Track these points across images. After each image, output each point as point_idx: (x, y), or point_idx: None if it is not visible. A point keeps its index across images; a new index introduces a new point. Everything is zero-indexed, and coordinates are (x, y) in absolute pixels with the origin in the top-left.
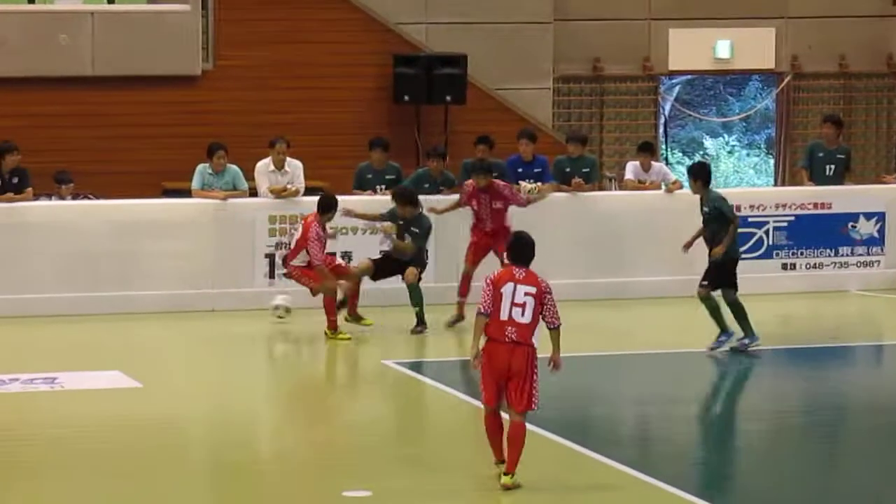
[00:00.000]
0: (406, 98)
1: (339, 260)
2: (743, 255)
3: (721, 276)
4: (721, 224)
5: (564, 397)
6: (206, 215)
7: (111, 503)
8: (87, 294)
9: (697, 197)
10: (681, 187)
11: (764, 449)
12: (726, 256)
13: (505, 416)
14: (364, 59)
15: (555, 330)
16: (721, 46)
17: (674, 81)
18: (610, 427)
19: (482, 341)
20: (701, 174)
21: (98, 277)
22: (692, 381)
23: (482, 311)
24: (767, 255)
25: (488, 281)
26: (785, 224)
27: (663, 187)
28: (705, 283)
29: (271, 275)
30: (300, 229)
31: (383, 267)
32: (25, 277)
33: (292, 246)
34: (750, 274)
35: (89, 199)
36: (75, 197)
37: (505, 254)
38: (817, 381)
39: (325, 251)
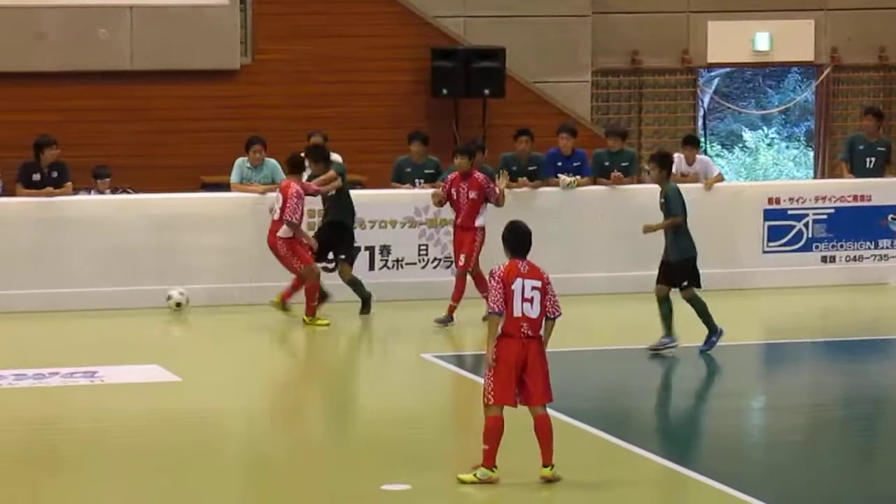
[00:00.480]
0: (444, 92)
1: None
2: (783, 248)
3: (680, 275)
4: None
5: (603, 391)
6: (244, 209)
7: (149, 496)
8: (126, 288)
9: (738, 190)
10: (721, 180)
11: (803, 442)
12: (681, 257)
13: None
14: (402, 52)
15: (553, 320)
16: (760, 39)
17: (712, 74)
18: (648, 421)
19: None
20: (664, 164)
21: (137, 271)
22: (731, 375)
23: (497, 310)
24: (807, 247)
25: (498, 278)
26: (825, 217)
27: (703, 181)
28: (663, 282)
29: None
30: (280, 197)
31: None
32: (65, 272)
33: (275, 217)
34: (790, 267)
35: (128, 193)
36: (114, 191)
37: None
38: (857, 374)
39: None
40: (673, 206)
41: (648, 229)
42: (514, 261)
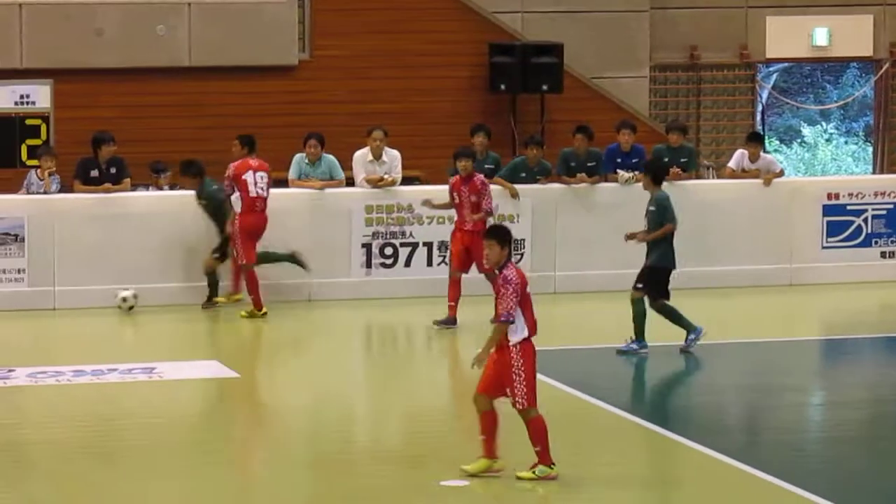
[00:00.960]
0: (502, 87)
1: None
2: (842, 244)
3: (652, 283)
4: (658, 225)
5: (662, 386)
6: (302, 205)
7: (208, 491)
8: (185, 284)
9: (797, 186)
10: (781, 175)
11: (861, 438)
12: (659, 264)
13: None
14: (460, 48)
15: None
16: (819, 34)
17: (771, 69)
18: (705, 416)
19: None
20: (652, 170)
21: (195, 268)
22: (789, 371)
23: (511, 319)
24: (866, 243)
25: (514, 285)
26: (884, 212)
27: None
28: (640, 286)
29: (368, 264)
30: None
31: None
32: (122, 268)
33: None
34: (849, 262)
35: (186, 189)
36: (172, 187)
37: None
38: None
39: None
40: (667, 214)
41: (633, 237)
42: (513, 265)
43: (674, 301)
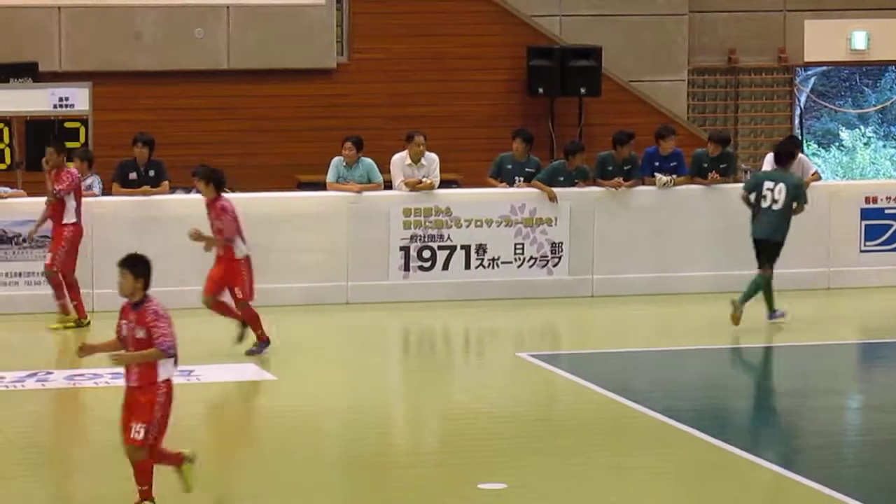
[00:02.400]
0: (540, 91)
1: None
2: (880, 247)
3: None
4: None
5: (698, 390)
6: (340, 208)
7: (245, 494)
8: None
9: (835, 190)
10: (818, 179)
11: None
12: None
13: None
14: (498, 51)
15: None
16: (857, 37)
17: (809, 73)
18: (742, 420)
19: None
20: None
21: None
22: (827, 374)
23: (173, 353)
24: None
25: (168, 317)
26: None
27: None
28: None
29: (406, 267)
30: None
31: None
32: (161, 270)
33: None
34: (887, 266)
35: (225, 192)
36: None
37: (239, 292)
38: None
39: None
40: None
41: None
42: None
43: (711, 304)
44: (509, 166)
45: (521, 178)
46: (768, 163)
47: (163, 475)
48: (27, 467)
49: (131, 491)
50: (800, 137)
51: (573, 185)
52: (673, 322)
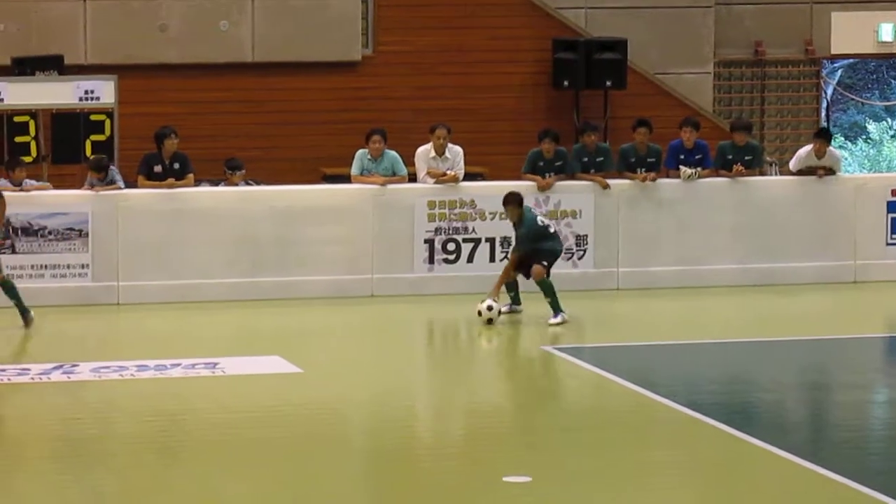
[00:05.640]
0: (565, 83)
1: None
2: None
3: None
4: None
5: (725, 383)
6: (365, 201)
7: (270, 487)
8: (248, 279)
9: (862, 182)
10: (833, 173)
11: None
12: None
13: None
14: (523, 44)
15: None
16: (884, 30)
17: (836, 65)
18: (770, 414)
19: None
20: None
21: (258, 263)
22: (852, 368)
23: None
24: None
25: None
26: None
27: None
28: None
29: (430, 260)
30: None
31: None
32: (186, 263)
33: None
34: None
35: (250, 184)
36: (248, 183)
37: None
38: None
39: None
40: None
41: None
42: None
43: (738, 298)
44: (540, 163)
45: (552, 173)
46: (794, 163)
47: (173, 469)
48: (55, 461)
49: (159, 483)
50: (829, 130)
51: (598, 167)
52: (698, 315)
